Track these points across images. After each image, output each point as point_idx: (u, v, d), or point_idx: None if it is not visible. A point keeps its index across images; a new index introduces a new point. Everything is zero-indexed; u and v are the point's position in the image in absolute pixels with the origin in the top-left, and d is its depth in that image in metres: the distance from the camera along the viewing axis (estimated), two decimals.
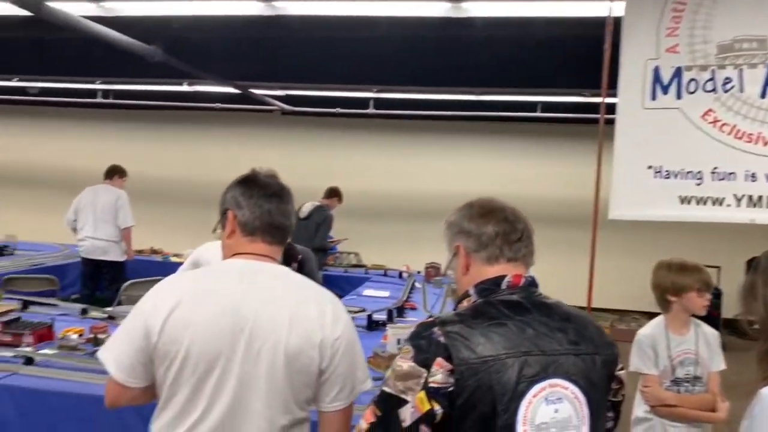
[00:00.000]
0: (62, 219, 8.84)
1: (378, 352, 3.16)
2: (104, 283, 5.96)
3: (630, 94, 2.70)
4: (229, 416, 1.45)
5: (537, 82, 6.37)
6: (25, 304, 3.92)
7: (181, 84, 7.21)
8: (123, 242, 6.06)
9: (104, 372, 2.73)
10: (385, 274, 6.55)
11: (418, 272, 6.30)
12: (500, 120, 7.69)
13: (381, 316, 4.12)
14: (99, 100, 7.89)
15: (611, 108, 2.99)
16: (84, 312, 3.90)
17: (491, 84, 6.38)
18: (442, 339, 1.29)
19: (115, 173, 6.15)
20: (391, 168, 8.58)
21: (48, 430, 2.53)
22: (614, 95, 2.91)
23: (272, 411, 1.48)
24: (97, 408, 2.49)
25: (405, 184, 8.54)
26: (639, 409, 2.63)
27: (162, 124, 9.09)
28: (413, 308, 4.72)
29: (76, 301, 5.22)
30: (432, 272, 6.04)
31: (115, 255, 6.00)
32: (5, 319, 3.24)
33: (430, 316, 1.41)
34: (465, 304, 1.44)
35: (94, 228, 5.91)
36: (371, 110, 7.23)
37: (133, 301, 5.32)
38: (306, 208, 6.15)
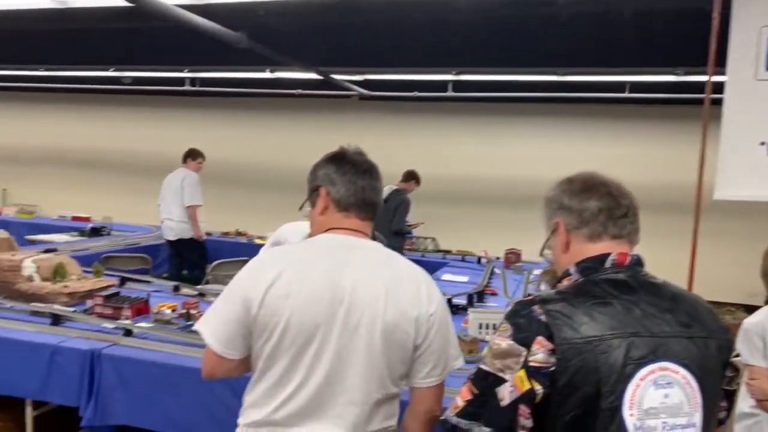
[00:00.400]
0: (153, 202, 9.36)
1: (460, 336, 3.12)
2: (189, 263, 6.24)
3: (741, 64, 2.50)
4: (326, 388, 1.46)
5: (624, 61, 6.07)
6: (123, 281, 4.16)
7: (264, 71, 7.37)
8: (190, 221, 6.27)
9: (197, 345, 2.89)
10: (463, 260, 6.48)
11: (497, 258, 6.19)
12: (585, 102, 7.38)
13: (461, 301, 4.07)
14: (187, 87, 8.20)
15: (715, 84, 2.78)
16: (176, 289, 4.09)
17: (575, 64, 6.13)
18: (543, 318, 1.24)
19: (188, 156, 6.39)
20: (469, 152, 8.43)
21: (147, 396, 2.67)
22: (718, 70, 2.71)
23: (368, 385, 1.48)
24: (191, 378, 2.62)
25: (484, 170, 8.38)
26: (744, 403, 2.45)
27: (246, 111, 9.34)
28: (494, 293, 4.64)
29: (166, 279, 5.48)
30: (512, 258, 5.93)
31: (188, 234, 6.23)
32: (106, 293, 3.44)
33: (529, 295, 1.36)
34: (565, 283, 1.37)
35: (168, 210, 6.21)
36: (450, 93, 7.12)
37: (220, 280, 5.50)
38: (384, 193, 6.18)
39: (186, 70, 8.00)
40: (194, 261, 6.15)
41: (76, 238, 6.92)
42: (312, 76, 7.01)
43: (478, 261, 6.31)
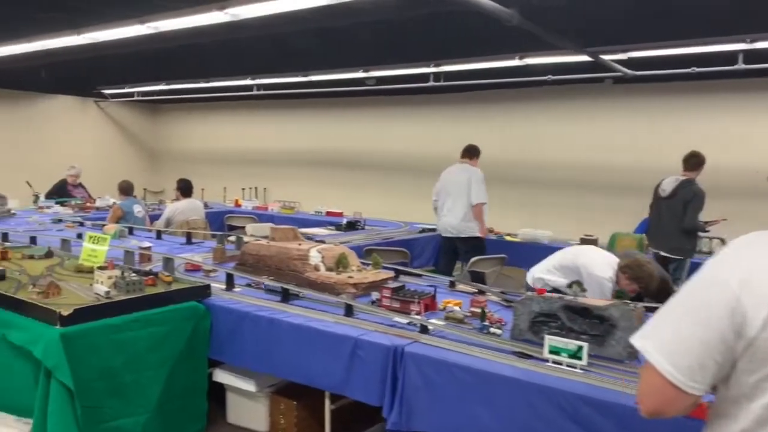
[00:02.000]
0: (399, 198, 9.51)
1: None
2: (461, 260, 6.08)
3: None
4: None
5: None
6: (397, 273, 4.04)
7: (512, 58, 6.95)
8: (476, 219, 6.09)
9: (500, 350, 2.56)
10: None
11: None
12: None
13: None
14: (431, 84, 8.14)
15: None
16: (452, 285, 3.86)
17: None
18: None
19: (471, 153, 6.26)
20: None
21: (456, 404, 2.40)
22: None
23: None
24: (505, 387, 2.26)
25: None
26: None
27: (490, 104, 9.05)
28: None
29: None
30: None
31: (471, 232, 6.07)
32: (392, 285, 3.30)
33: None
34: None
35: (450, 206, 6.11)
36: (741, 66, 5.95)
37: (477, 278, 5.17)
38: (668, 185, 5.32)
39: (432, 65, 7.93)
40: (470, 256, 5.94)
41: (334, 231, 7.24)
42: (571, 58, 6.39)
43: None
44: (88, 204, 8.15)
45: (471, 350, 2.57)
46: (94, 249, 3.80)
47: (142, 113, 13.62)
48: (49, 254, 4.14)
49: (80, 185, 8.81)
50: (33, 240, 4.85)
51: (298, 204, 9.10)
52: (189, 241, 5.39)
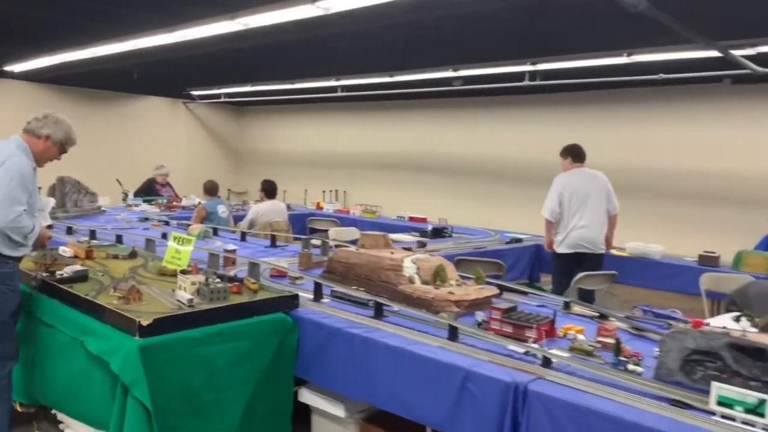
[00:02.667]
0: (487, 205, 8.98)
1: None
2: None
3: None
4: None
5: None
6: (501, 289, 3.61)
7: (620, 55, 6.33)
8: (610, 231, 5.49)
9: (645, 394, 2.10)
10: None
11: None
12: None
13: None
14: (526, 83, 7.63)
15: None
16: (567, 306, 3.38)
17: None
18: None
19: (583, 156, 5.62)
20: None
21: None
22: None
23: None
24: None
25: None
26: None
27: (587, 105, 8.41)
28: None
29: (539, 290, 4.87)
30: None
31: (603, 246, 5.46)
32: (501, 305, 2.87)
33: None
34: None
35: (587, 218, 5.36)
36: None
37: (586, 297, 4.63)
38: None
39: (527, 63, 7.41)
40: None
41: (418, 238, 6.86)
42: (685, 55, 5.72)
43: None
44: (174, 203, 8.19)
45: (609, 392, 2.11)
46: (179, 250, 3.60)
47: (228, 115, 13.81)
48: (133, 254, 3.99)
49: (168, 184, 8.89)
50: (119, 239, 4.77)
51: (380, 208, 8.80)
52: (273, 244, 5.17)
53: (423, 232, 6.97)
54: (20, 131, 3.21)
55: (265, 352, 2.86)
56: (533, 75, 7.61)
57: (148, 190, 8.58)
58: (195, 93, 11.89)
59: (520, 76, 7.62)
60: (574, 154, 5.71)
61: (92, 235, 4.94)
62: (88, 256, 3.87)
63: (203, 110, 13.24)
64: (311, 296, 3.32)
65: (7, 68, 9.42)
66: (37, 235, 3.06)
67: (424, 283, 3.37)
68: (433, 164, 10.02)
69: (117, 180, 8.54)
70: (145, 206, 7.80)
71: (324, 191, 11.44)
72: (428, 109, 10.18)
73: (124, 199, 8.30)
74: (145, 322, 2.46)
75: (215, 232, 5.67)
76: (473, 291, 3.28)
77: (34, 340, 3.12)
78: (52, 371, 3.00)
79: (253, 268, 3.66)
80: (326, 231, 8.42)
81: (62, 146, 3.27)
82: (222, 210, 6.81)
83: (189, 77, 10.52)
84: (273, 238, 5.24)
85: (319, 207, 9.27)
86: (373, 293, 3.33)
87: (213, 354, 2.65)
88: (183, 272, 3.25)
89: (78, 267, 3.31)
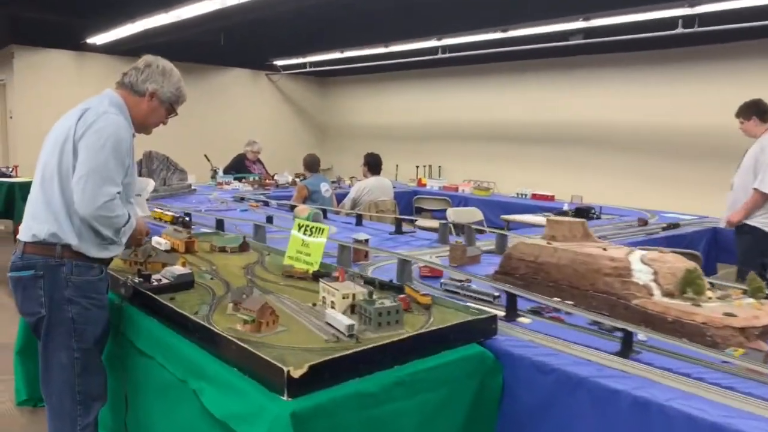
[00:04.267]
0: (632, 181, 7.56)
1: None
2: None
3: None
4: None
5: None
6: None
7: None
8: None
9: None
10: None
11: None
12: None
13: None
14: (677, 31, 6.24)
15: None
16: None
17: None
18: None
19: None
20: None
21: None
22: None
23: None
24: None
25: None
26: None
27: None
28: None
29: None
30: None
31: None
32: None
33: None
34: None
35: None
36: None
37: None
38: None
39: (686, 4, 6.02)
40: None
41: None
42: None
43: None
44: (268, 181, 7.39)
45: None
46: (306, 243, 2.68)
47: (311, 86, 12.96)
48: (243, 246, 3.11)
49: (259, 161, 8.14)
50: (220, 224, 3.92)
51: (494, 184, 7.69)
52: (400, 230, 4.19)
53: (561, 212, 5.83)
54: (113, 86, 2.35)
55: (459, 405, 1.88)
56: (690, 20, 6.21)
57: (238, 167, 7.85)
58: (279, 63, 11.10)
59: (671, 23, 6.25)
60: (762, 111, 4.45)
61: (187, 220, 4.14)
62: (189, 249, 3.02)
63: (285, 82, 12.45)
64: (496, 311, 2.31)
65: (90, 40, 8.91)
66: (132, 229, 2.20)
67: (667, 295, 2.29)
68: (551, 134, 8.68)
69: (205, 156, 7.83)
70: (236, 184, 7.05)
71: (417, 166, 10.41)
72: (540, 70, 8.84)
73: (213, 177, 7.60)
74: (297, 373, 1.53)
75: (325, 214, 4.76)
76: (756, 310, 2.17)
77: (125, 370, 2.28)
78: (151, 415, 2.15)
79: (404, 267, 2.69)
80: (433, 211, 7.44)
81: (171, 106, 2.38)
82: (325, 188, 5.92)
83: (273, 44, 9.71)
84: (399, 224, 4.25)
85: (421, 184, 8.26)
86: (583, 307, 2.29)
87: (393, 415, 1.69)
88: (320, 276, 2.33)
89: (180, 268, 2.44)
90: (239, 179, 7.38)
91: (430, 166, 10.60)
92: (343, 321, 1.85)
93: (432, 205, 7.26)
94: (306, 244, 2.70)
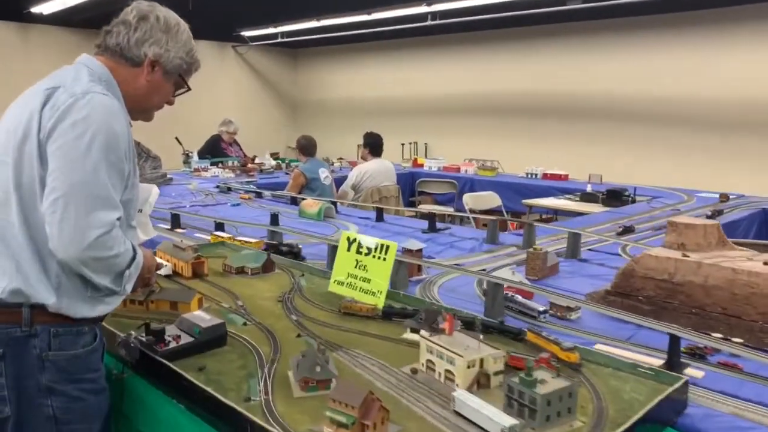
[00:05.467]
0: (621, 159, 6.95)
1: None
2: None
3: None
4: None
5: None
6: None
7: None
8: None
9: None
10: None
11: None
12: None
13: None
14: None
15: None
16: None
17: None
18: None
19: None
20: None
21: None
22: None
23: None
24: None
25: None
26: None
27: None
28: None
29: None
30: None
31: None
32: None
33: None
34: None
35: None
36: None
37: None
38: None
39: None
40: None
41: (579, 202, 5.19)
42: None
43: None
44: (250, 165, 6.59)
45: None
46: (363, 264, 2.00)
47: (281, 59, 12.02)
48: (268, 266, 2.37)
49: (235, 143, 7.31)
50: (219, 227, 3.17)
51: (498, 164, 7.06)
52: (433, 227, 3.52)
53: (582, 195, 5.27)
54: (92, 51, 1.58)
55: None
56: None
57: (214, 150, 7.01)
58: (246, 34, 10.16)
59: None
60: None
61: (175, 221, 3.38)
62: (197, 272, 2.29)
63: (254, 55, 11.49)
64: (685, 376, 1.68)
65: (35, 10, 7.81)
66: (141, 269, 1.47)
67: None
68: (558, 107, 7.98)
69: (176, 138, 6.94)
70: (215, 170, 6.24)
71: (403, 144, 9.72)
72: (533, 38, 8.17)
73: (186, 162, 6.75)
74: None
75: (336, 207, 4.03)
76: None
77: None
78: None
79: (495, 294, 2.03)
80: (436, 195, 6.78)
81: (181, 77, 1.63)
82: (325, 175, 5.19)
83: (240, 13, 8.75)
84: (432, 219, 3.56)
85: (417, 164, 7.57)
86: (748, 344, 1.69)
87: None
88: (394, 315, 1.67)
89: (202, 315, 1.71)
90: (217, 164, 6.57)
91: (415, 143, 9.93)
92: (495, 418, 1.18)
93: (436, 188, 6.61)
94: (363, 267, 2.02)
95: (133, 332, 1.61)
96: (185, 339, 1.59)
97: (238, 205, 4.35)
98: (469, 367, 1.37)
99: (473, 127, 8.95)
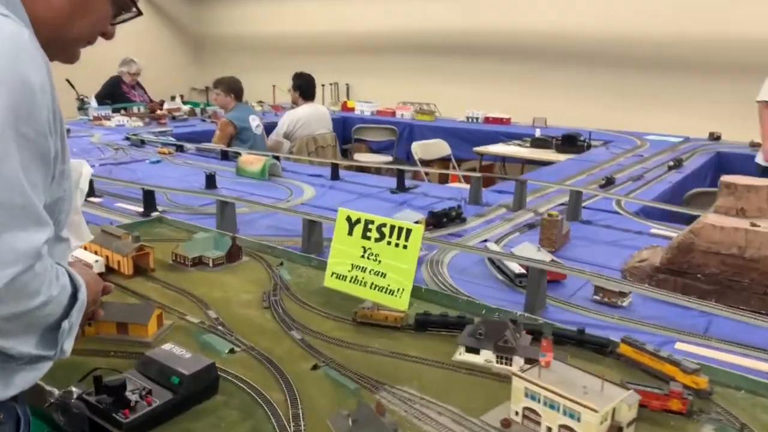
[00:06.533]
0: (563, 102, 6.70)
1: None
2: None
3: None
4: None
5: None
6: None
7: None
8: None
9: None
10: None
11: None
12: None
13: None
14: None
15: None
16: None
17: None
18: None
19: None
20: None
21: None
22: None
23: None
24: None
25: None
26: None
27: None
28: None
29: None
30: None
31: None
32: None
33: None
34: None
35: None
36: None
37: None
38: None
39: None
40: None
41: (530, 148, 4.90)
42: None
43: None
44: (159, 112, 5.74)
45: None
46: (376, 255, 1.53)
47: None
48: (234, 253, 1.82)
49: (138, 85, 6.37)
50: (149, 198, 2.52)
51: (435, 107, 6.63)
52: (402, 185, 3.05)
53: (538, 140, 4.96)
54: None
55: None
56: None
57: (114, 94, 6.06)
58: None
59: None
60: None
61: (91, 189, 2.69)
62: (140, 267, 1.71)
63: None
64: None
65: None
66: (84, 308, 0.91)
67: None
68: (498, 46, 7.50)
69: (67, 81, 5.91)
70: (119, 118, 5.36)
71: (323, 85, 9.02)
72: None
73: (81, 108, 5.79)
74: None
75: (279, 162, 3.44)
76: None
77: None
78: None
79: (540, 280, 1.62)
80: (371, 142, 6.28)
81: None
82: (256, 123, 4.52)
83: None
84: (401, 176, 3.08)
85: (347, 108, 6.99)
86: None
87: None
88: (430, 324, 1.24)
89: (175, 349, 1.17)
90: (119, 110, 5.67)
91: (336, 84, 9.27)
92: None
93: (374, 135, 6.09)
94: (375, 257, 1.54)
95: (73, 388, 1.06)
96: (159, 394, 1.06)
97: (158, 162, 3.65)
98: (602, 422, 0.96)
99: (401, 68, 8.38)
